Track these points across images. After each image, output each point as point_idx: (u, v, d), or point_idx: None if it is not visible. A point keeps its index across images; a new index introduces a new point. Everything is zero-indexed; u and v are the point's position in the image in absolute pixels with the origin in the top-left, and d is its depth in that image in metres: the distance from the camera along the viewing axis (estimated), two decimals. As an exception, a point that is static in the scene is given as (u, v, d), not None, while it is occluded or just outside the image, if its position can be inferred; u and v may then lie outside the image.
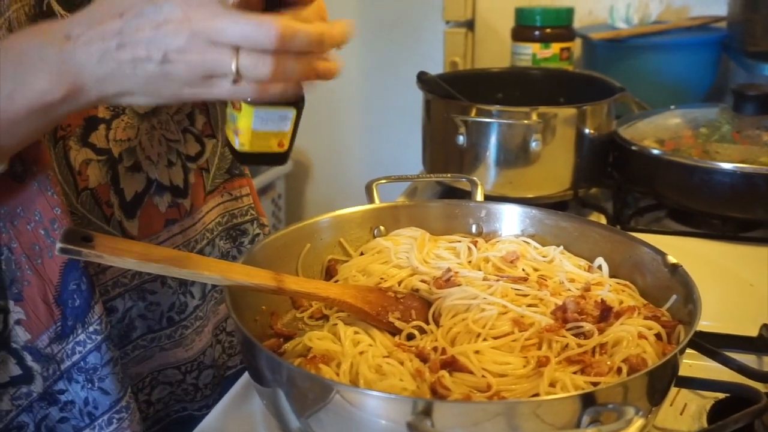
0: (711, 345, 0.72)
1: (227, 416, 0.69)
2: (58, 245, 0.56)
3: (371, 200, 0.88)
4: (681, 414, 0.71)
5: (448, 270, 0.73)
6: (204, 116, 0.82)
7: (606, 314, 0.66)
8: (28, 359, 0.66)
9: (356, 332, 0.67)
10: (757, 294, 0.94)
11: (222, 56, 0.51)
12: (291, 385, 0.56)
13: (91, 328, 0.66)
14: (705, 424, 0.69)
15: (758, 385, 0.70)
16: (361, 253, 0.83)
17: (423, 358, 0.63)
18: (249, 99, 0.55)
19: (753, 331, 0.82)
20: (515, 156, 1.16)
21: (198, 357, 0.81)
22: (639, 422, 0.44)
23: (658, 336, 0.64)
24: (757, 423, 0.66)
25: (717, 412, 0.70)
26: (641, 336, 0.63)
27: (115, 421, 0.68)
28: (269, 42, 0.51)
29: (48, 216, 0.64)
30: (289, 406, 0.57)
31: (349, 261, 0.81)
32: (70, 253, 0.57)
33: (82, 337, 0.66)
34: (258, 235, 0.91)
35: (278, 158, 0.61)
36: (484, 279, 0.73)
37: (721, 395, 0.72)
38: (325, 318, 0.74)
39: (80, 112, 0.67)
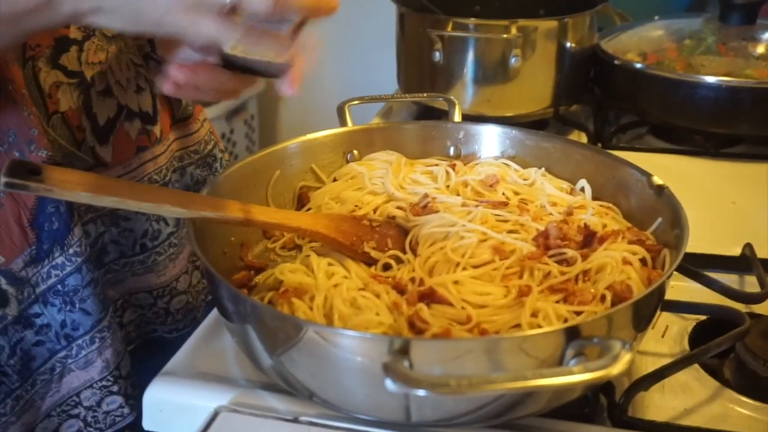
0: (693, 266, 0.71)
1: (197, 353, 0.66)
2: (3, 179, 0.52)
3: (343, 123, 0.84)
4: (662, 336, 0.70)
5: (426, 196, 0.70)
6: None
7: (589, 239, 0.63)
8: (2, 282, 0.64)
9: (330, 264, 0.64)
10: (740, 212, 0.92)
11: None
12: (260, 323, 0.53)
13: (71, 251, 0.66)
14: (687, 347, 0.68)
15: (740, 306, 0.69)
16: (334, 179, 0.79)
17: (400, 290, 0.60)
18: (231, 46, 0.51)
19: (735, 251, 0.80)
20: (494, 72, 1.11)
21: (171, 283, 0.81)
22: (626, 357, 0.42)
23: (642, 261, 0.62)
24: (738, 345, 0.65)
25: (699, 334, 0.70)
26: (626, 261, 0.61)
27: (97, 340, 0.69)
28: None
29: (24, 137, 0.63)
30: (260, 343, 0.54)
31: (322, 188, 0.78)
32: (16, 187, 0.52)
33: (60, 260, 0.66)
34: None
35: None
36: (463, 205, 0.70)
37: (702, 317, 0.71)
38: (298, 248, 0.71)
39: (50, 32, 0.64)
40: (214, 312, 0.71)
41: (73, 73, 0.68)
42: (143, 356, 0.70)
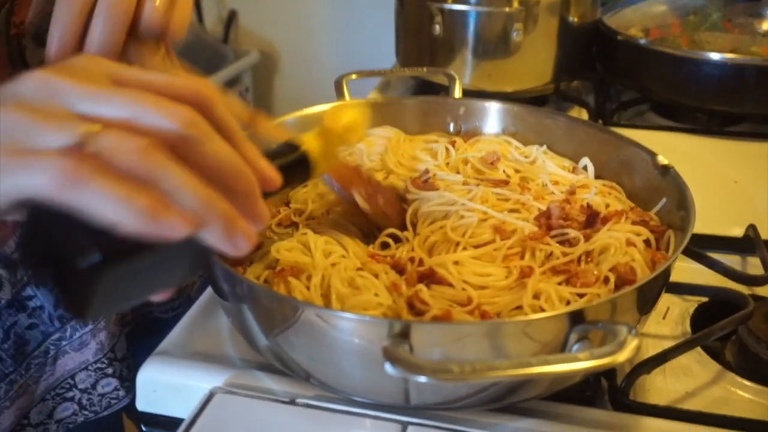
0: (695, 246, 0.69)
1: (192, 333, 0.65)
2: None
3: (341, 97, 0.82)
4: (663, 318, 0.69)
5: (426, 171, 0.68)
6: None
7: (592, 220, 0.62)
8: None
9: (327, 242, 0.63)
10: (743, 192, 0.91)
11: (65, 120, 0.35)
12: (256, 304, 0.52)
13: None
14: (688, 329, 0.67)
15: (743, 288, 0.68)
16: (332, 155, 0.77)
17: (399, 270, 0.59)
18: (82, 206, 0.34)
19: (738, 232, 0.79)
20: (494, 47, 1.09)
21: None
22: (633, 343, 0.41)
23: (646, 242, 0.61)
24: (741, 328, 0.64)
25: (700, 315, 0.69)
26: (629, 243, 0.60)
27: (91, 321, 0.67)
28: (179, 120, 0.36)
29: None
30: (256, 324, 0.53)
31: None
32: None
33: None
34: None
35: None
36: (464, 183, 0.68)
37: (704, 298, 0.70)
38: (294, 226, 0.70)
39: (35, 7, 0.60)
40: (209, 290, 0.70)
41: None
42: (139, 338, 0.69)
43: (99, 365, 0.70)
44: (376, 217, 0.64)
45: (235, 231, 0.37)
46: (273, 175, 0.42)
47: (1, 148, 0.34)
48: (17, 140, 0.34)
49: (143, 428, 0.61)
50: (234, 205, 0.38)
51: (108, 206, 0.33)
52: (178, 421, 0.54)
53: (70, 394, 0.70)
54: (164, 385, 0.60)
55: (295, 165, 0.50)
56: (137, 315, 0.80)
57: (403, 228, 0.64)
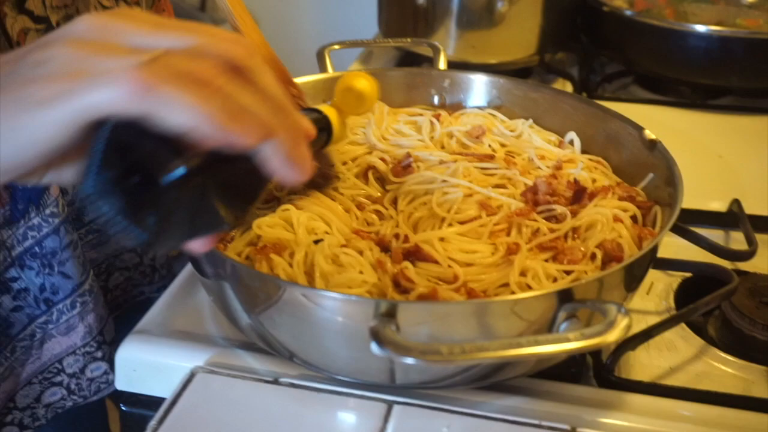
0: (679, 221, 0.69)
1: (172, 311, 0.64)
2: None
3: (323, 68, 0.80)
4: (648, 293, 0.69)
5: (408, 155, 0.67)
6: None
7: (579, 195, 0.61)
8: None
9: (310, 218, 0.61)
10: (727, 166, 0.91)
11: (125, 50, 0.35)
12: (237, 282, 0.51)
13: (47, 211, 0.62)
14: (672, 304, 0.67)
15: (726, 263, 0.68)
16: (314, 129, 0.75)
17: (384, 247, 0.58)
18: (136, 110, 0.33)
19: (722, 206, 0.79)
20: (479, 17, 1.07)
21: None
22: (623, 323, 0.41)
23: (633, 218, 0.60)
24: (724, 303, 0.64)
25: (684, 290, 0.69)
26: (616, 219, 0.59)
27: (78, 304, 0.66)
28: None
29: None
30: (238, 303, 0.52)
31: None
32: None
33: (36, 221, 0.62)
34: None
35: None
36: (441, 162, 0.67)
37: (688, 274, 0.70)
38: (277, 201, 0.68)
39: None
40: (189, 268, 0.68)
41: (40, 18, 0.63)
42: (131, 321, 0.68)
43: (87, 349, 0.68)
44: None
45: (299, 149, 0.37)
46: (310, 125, 0.41)
47: (65, 75, 0.33)
48: (77, 69, 0.33)
49: (123, 408, 0.60)
50: None
51: (181, 111, 0.32)
52: (158, 401, 0.53)
53: (58, 378, 0.69)
54: (144, 364, 0.59)
55: (319, 127, 0.51)
56: (129, 297, 0.79)
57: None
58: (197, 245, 0.40)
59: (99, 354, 0.69)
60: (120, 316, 0.77)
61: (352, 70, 0.64)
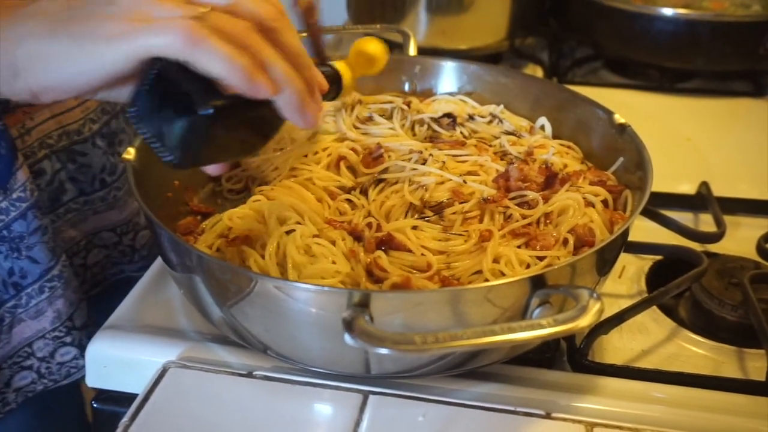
0: (649, 205, 0.70)
1: (143, 305, 0.63)
2: None
3: (292, 56, 0.78)
4: (620, 277, 0.69)
5: (379, 146, 0.66)
6: None
7: (551, 181, 0.62)
8: None
9: (282, 208, 0.61)
10: (695, 149, 0.92)
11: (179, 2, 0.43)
12: (208, 275, 0.50)
13: (14, 195, 0.61)
14: (644, 287, 0.68)
15: (695, 246, 0.69)
16: (284, 118, 0.75)
17: (356, 236, 0.58)
18: (185, 54, 0.41)
19: (691, 189, 0.80)
20: (448, 2, 1.07)
21: (133, 218, 0.79)
22: (595, 307, 0.41)
23: (604, 202, 0.61)
24: (694, 285, 0.65)
25: (656, 273, 0.69)
26: (588, 203, 0.59)
27: (47, 289, 0.65)
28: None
29: None
30: (209, 296, 0.51)
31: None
32: None
33: (4, 204, 0.61)
34: None
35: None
36: (411, 151, 0.66)
37: (659, 257, 0.70)
38: (247, 191, 0.68)
39: None
40: (159, 261, 0.67)
41: None
42: (111, 299, 0.67)
43: (57, 334, 0.67)
44: None
45: (307, 104, 0.45)
46: (322, 79, 0.51)
47: (131, 17, 0.41)
48: (145, 14, 0.41)
49: (94, 405, 0.59)
50: None
51: (218, 62, 0.40)
52: (131, 397, 0.52)
53: (28, 362, 0.68)
54: (115, 360, 0.58)
55: (332, 81, 0.58)
56: (109, 275, 0.78)
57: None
58: (213, 169, 0.50)
59: (68, 339, 0.68)
60: (100, 294, 0.77)
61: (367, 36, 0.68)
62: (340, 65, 0.61)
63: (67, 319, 0.67)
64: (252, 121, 0.45)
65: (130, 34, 0.40)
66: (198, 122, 0.42)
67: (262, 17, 0.44)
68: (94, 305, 0.73)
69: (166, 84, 0.42)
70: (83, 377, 0.70)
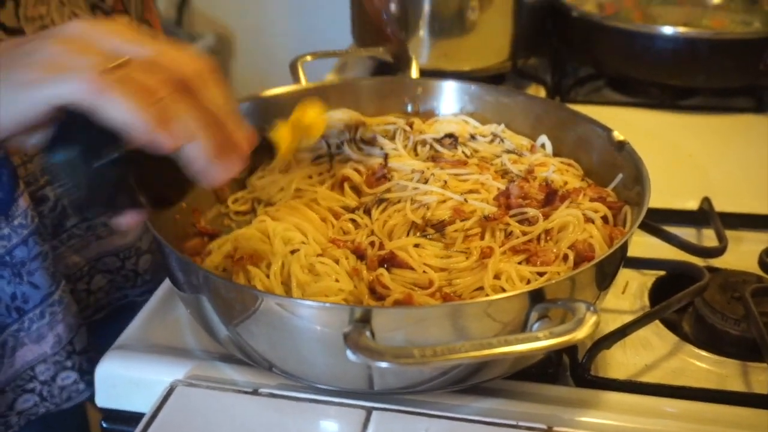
0: (651, 220, 0.71)
1: (151, 325, 0.64)
2: None
3: (297, 80, 0.80)
4: (623, 293, 0.70)
5: (381, 166, 0.68)
6: None
7: (551, 198, 0.62)
8: None
9: (286, 229, 0.62)
10: (697, 165, 0.92)
11: (98, 52, 0.43)
12: (214, 294, 0.51)
13: (15, 222, 0.63)
14: (647, 302, 0.68)
15: (698, 260, 0.70)
16: (289, 140, 0.76)
17: (359, 255, 0.59)
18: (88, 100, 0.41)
19: (693, 205, 0.81)
20: (450, 25, 1.08)
21: (136, 243, 0.80)
22: (592, 320, 0.41)
23: (604, 218, 0.61)
24: (697, 299, 0.65)
25: (659, 289, 0.70)
26: (587, 219, 0.60)
27: (47, 314, 0.66)
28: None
29: None
30: (215, 315, 0.52)
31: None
32: None
33: (6, 231, 0.62)
34: None
35: None
36: (413, 171, 0.68)
37: (661, 272, 0.71)
38: (253, 213, 0.69)
39: None
40: (167, 282, 0.68)
41: (12, 30, 0.63)
42: (115, 324, 0.68)
43: (57, 358, 0.68)
44: None
45: (216, 159, 0.44)
46: (243, 140, 0.48)
47: (46, 66, 0.42)
48: (58, 62, 0.42)
49: (103, 425, 0.59)
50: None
51: (120, 112, 0.41)
52: (139, 416, 0.53)
53: (31, 385, 0.69)
54: (124, 379, 0.59)
55: (261, 146, 0.59)
56: (113, 299, 0.79)
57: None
58: (122, 221, 0.47)
59: (69, 363, 0.69)
60: (104, 319, 0.77)
61: (308, 101, 0.68)
62: (282, 128, 0.62)
63: (67, 343, 0.68)
64: (160, 174, 0.45)
65: (41, 81, 0.41)
66: (98, 172, 0.43)
67: (183, 72, 0.44)
68: (97, 330, 0.74)
69: (73, 132, 0.43)
70: (85, 400, 0.71)
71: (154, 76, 0.42)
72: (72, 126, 0.43)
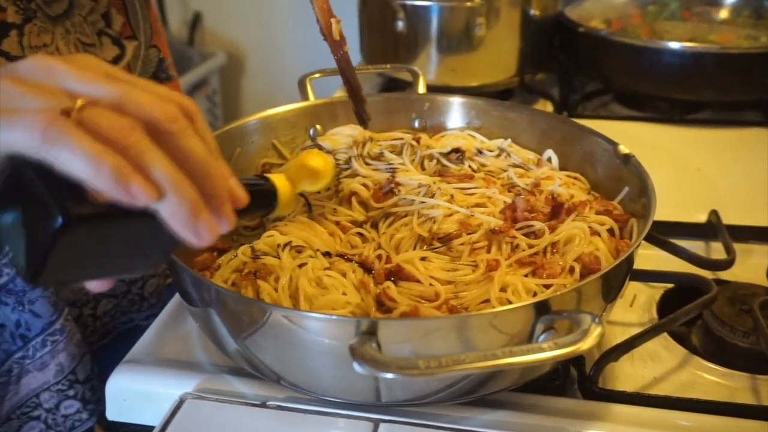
0: (659, 233, 0.71)
1: (161, 339, 0.64)
2: None
3: (305, 96, 0.81)
4: (631, 306, 0.70)
5: (389, 181, 0.68)
6: (122, 16, 0.73)
7: (557, 211, 0.63)
8: None
9: (295, 243, 0.62)
10: (705, 178, 0.92)
11: (54, 92, 0.37)
12: (223, 308, 0.52)
13: None
14: (655, 315, 0.68)
15: (706, 273, 0.70)
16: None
17: (367, 268, 0.59)
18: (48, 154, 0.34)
19: (701, 218, 0.81)
20: (458, 41, 1.09)
21: None
22: (597, 331, 0.42)
23: (610, 231, 0.62)
24: (705, 312, 0.65)
25: (667, 302, 0.70)
26: (593, 232, 0.60)
27: (49, 343, 0.66)
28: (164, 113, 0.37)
29: None
30: (224, 328, 0.53)
31: (285, 164, 0.76)
32: None
33: (8, 258, 0.62)
34: None
35: None
36: (420, 185, 0.68)
37: (669, 285, 0.71)
38: (262, 227, 0.69)
39: None
40: (177, 297, 0.69)
41: (16, 59, 0.62)
42: (121, 349, 0.68)
43: (60, 387, 0.68)
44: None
45: (200, 217, 0.38)
46: (241, 193, 0.42)
47: None
48: (8, 104, 0.36)
49: (114, 438, 0.60)
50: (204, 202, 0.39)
51: (79, 161, 0.34)
52: (149, 429, 0.54)
53: (36, 413, 0.69)
54: (134, 393, 0.59)
55: (261, 195, 0.51)
56: (118, 324, 0.79)
57: None
58: (94, 286, 0.42)
59: (71, 392, 0.69)
60: (110, 343, 0.78)
61: (309, 148, 0.66)
62: (276, 178, 0.53)
63: (69, 372, 0.68)
64: (130, 235, 0.38)
65: None
66: (47, 234, 0.35)
67: (155, 117, 0.37)
68: (102, 355, 0.74)
69: (21, 186, 0.36)
70: (89, 429, 0.71)
71: (119, 121, 0.36)
72: (20, 178, 0.35)
